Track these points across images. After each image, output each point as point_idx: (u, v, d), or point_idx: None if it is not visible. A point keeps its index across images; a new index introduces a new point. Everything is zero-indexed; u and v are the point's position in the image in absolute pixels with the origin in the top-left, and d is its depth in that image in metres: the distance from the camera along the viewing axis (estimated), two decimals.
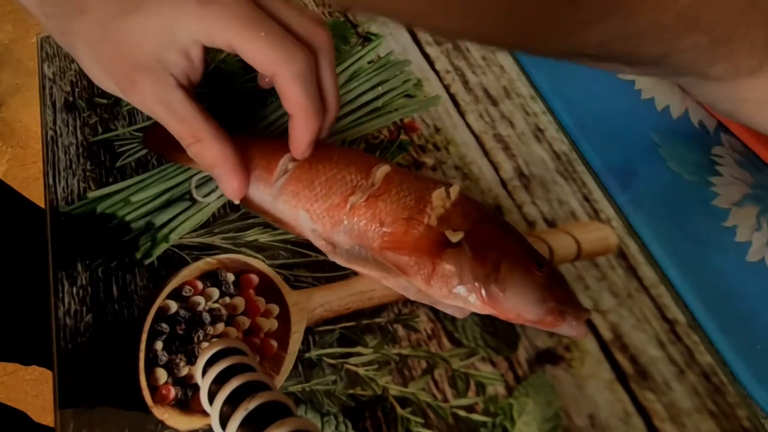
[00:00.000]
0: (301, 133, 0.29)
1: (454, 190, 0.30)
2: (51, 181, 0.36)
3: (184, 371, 0.30)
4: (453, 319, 0.31)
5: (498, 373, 0.29)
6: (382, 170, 0.30)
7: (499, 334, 0.30)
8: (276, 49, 0.27)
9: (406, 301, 0.31)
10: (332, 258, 0.30)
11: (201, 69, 0.29)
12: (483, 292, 0.27)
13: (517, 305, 0.27)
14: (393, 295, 0.31)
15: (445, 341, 0.30)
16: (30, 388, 1.15)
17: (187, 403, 0.29)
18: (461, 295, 0.27)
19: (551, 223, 0.34)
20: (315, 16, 0.30)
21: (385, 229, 0.29)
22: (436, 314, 0.31)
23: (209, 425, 0.28)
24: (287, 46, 0.27)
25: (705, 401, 0.29)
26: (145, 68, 0.28)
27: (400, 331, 0.31)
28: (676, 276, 0.32)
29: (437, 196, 0.29)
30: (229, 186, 0.30)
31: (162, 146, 0.36)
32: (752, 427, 0.28)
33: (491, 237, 0.28)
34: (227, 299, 0.31)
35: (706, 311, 0.31)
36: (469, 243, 0.28)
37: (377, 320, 0.31)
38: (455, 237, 0.28)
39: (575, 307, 0.27)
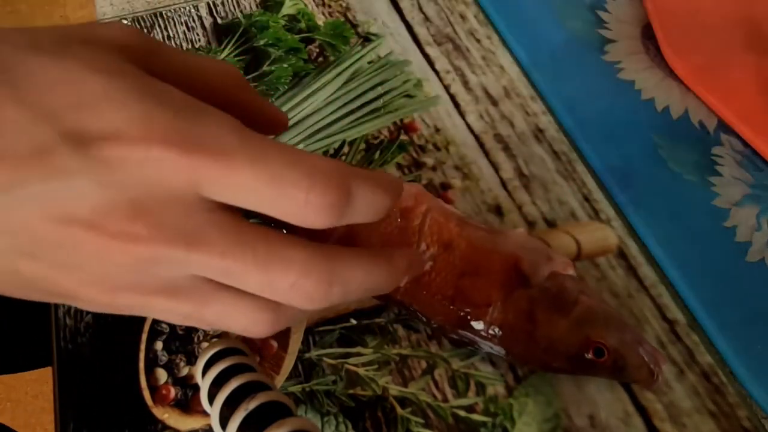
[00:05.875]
0: None
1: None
2: None
3: (184, 371, 0.30)
4: None
5: (498, 373, 0.29)
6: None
7: None
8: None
9: None
10: None
11: None
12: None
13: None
14: None
15: (445, 341, 0.30)
16: (30, 388, 1.15)
17: (187, 403, 0.29)
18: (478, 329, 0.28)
19: (551, 223, 0.34)
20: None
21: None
22: None
23: (209, 425, 0.28)
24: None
25: (705, 401, 0.29)
26: None
27: (400, 331, 0.31)
28: (676, 276, 0.32)
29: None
30: None
31: None
32: (752, 427, 0.28)
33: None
34: None
35: (706, 311, 0.31)
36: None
37: (377, 320, 0.31)
38: None
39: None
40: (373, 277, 0.21)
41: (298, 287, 0.18)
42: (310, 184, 0.18)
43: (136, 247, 0.17)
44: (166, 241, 0.17)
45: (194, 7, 0.44)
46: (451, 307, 0.28)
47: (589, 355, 0.27)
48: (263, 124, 0.24)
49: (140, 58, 0.19)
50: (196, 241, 0.17)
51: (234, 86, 0.23)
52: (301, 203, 0.18)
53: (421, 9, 0.45)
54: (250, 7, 0.44)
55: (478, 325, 0.27)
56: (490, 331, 0.27)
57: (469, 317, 0.27)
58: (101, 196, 0.17)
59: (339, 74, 0.40)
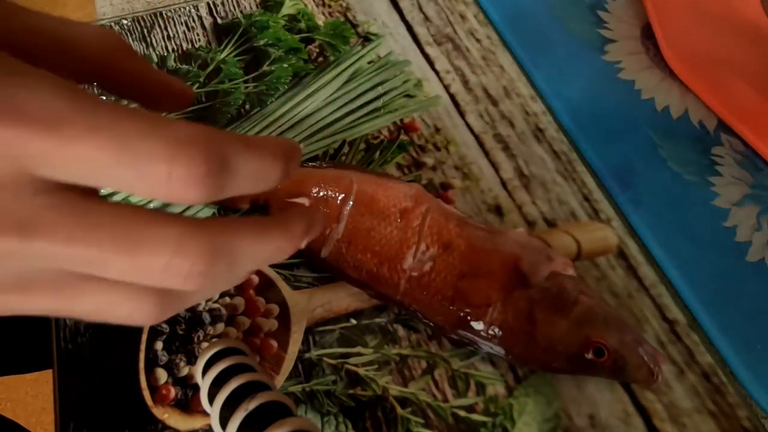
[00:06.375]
0: None
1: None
2: None
3: (184, 371, 0.30)
4: None
5: (498, 373, 0.29)
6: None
7: None
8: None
9: None
10: None
11: None
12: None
13: None
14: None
15: (445, 341, 0.30)
16: (30, 388, 1.15)
17: (187, 403, 0.29)
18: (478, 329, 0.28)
19: (551, 223, 0.34)
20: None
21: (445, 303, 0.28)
22: None
23: (209, 425, 0.28)
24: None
25: (705, 401, 0.29)
26: None
27: (400, 331, 0.31)
28: (676, 276, 0.32)
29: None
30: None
31: None
32: (752, 427, 0.28)
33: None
34: (227, 299, 0.31)
35: (706, 311, 0.31)
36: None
37: (377, 320, 0.31)
38: None
39: None
40: (265, 245, 0.18)
41: (174, 267, 0.16)
42: (172, 154, 0.15)
43: None
44: None
45: (194, 7, 0.44)
46: (451, 307, 0.28)
47: (589, 355, 0.27)
48: (157, 96, 0.21)
49: None
50: (31, 228, 0.15)
51: (111, 53, 0.19)
52: (163, 178, 0.15)
53: (421, 9, 0.45)
54: (250, 7, 0.44)
55: (478, 325, 0.27)
56: (490, 332, 0.27)
57: (469, 317, 0.27)
58: None
59: (339, 74, 0.40)
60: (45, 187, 0.15)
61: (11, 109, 0.14)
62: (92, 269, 0.16)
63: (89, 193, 0.16)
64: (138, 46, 0.42)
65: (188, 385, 0.29)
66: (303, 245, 0.20)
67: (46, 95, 0.14)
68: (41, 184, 0.15)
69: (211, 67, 0.41)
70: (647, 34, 0.44)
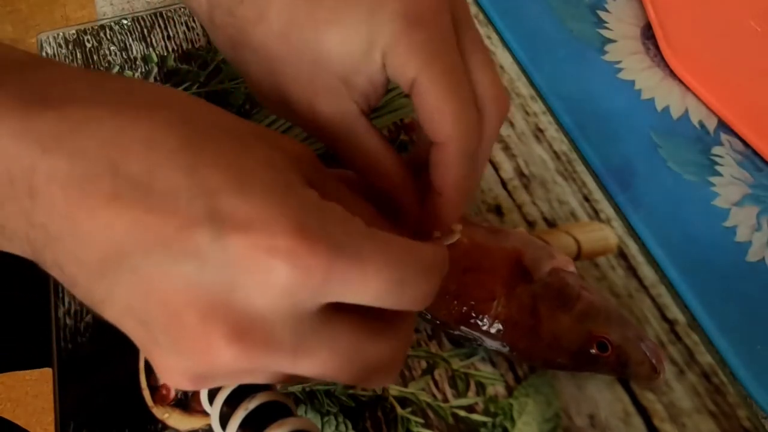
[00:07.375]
0: (449, 212, 0.25)
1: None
2: None
3: None
4: None
5: (498, 373, 0.29)
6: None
7: None
8: (461, 119, 0.22)
9: None
10: None
11: (382, 94, 0.24)
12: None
13: None
14: None
15: (445, 341, 0.30)
16: (30, 388, 1.15)
17: (187, 403, 0.29)
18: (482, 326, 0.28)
19: (551, 223, 0.34)
20: (498, 81, 0.24)
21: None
22: None
23: (209, 425, 0.28)
24: (472, 117, 0.22)
25: (705, 401, 0.29)
26: (327, 92, 0.23)
27: None
28: (676, 276, 0.32)
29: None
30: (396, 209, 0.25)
31: None
32: (752, 427, 0.28)
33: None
34: None
35: (706, 311, 0.31)
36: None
37: None
38: None
39: None
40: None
41: (377, 381, 0.20)
42: (428, 290, 0.19)
43: (245, 354, 0.16)
44: (277, 351, 0.17)
45: None
46: (455, 302, 0.28)
47: (593, 350, 0.27)
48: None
49: (306, 171, 0.19)
50: (302, 352, 0.17)
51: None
52: (409, 301, 0.18)
53: None
54: None
55: (482, 320, 0.27)
56: (494, 327, 0.27)
57: (473, 312, 0.28)
58: (226, 291, 0.16)
59: None
60: (324, 310, 0.17)
61: (333, 243, 0.16)
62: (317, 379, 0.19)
63: (341, 309, 0.18)
64: (138, 46, 0.42)
65: None
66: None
67: (352, 231, 0.17)
68: (323, 307, 0.17)
69: (211, 67, 0.41)
70: (647, 34, 0.44)
